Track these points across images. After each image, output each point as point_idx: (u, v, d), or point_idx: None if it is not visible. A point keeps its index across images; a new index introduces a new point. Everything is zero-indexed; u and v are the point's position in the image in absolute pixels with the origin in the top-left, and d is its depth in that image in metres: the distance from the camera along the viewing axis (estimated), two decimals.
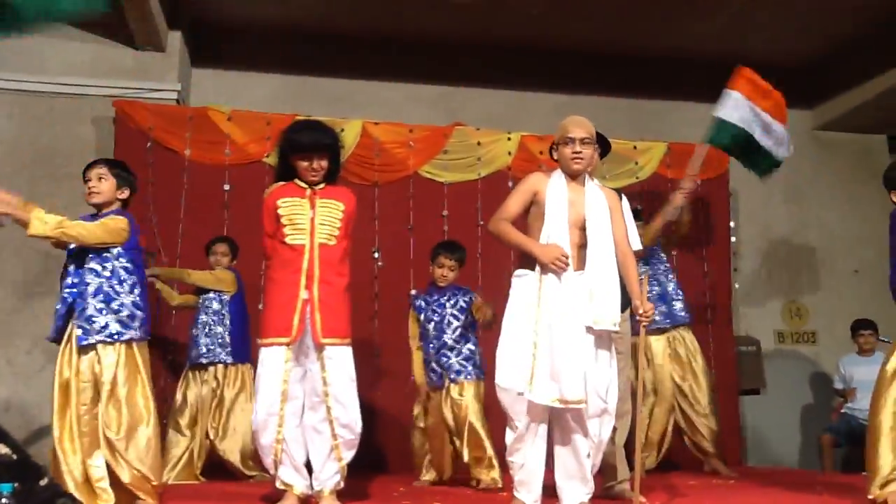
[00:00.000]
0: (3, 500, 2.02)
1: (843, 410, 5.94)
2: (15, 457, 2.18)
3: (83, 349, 3.30)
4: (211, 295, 4.94)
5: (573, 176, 3.39)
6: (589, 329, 3.18)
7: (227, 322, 4.90)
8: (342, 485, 3.45)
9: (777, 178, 7.13)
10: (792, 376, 6.81)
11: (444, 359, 4.41)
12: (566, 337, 3.14)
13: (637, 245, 4.10)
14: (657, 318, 5.04)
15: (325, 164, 3.48)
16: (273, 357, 3.36)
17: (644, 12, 6.20)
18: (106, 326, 3.30)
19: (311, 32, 6.47)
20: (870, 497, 3.33)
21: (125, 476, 3.26)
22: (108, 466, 3.28)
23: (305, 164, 3.46)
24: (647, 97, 6.92)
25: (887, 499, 3.27)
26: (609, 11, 6.20)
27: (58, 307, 3.38)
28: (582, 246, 3.29)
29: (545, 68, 6.69)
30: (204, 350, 4.83)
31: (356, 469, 3.58)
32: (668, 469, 5.16)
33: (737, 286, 6.70)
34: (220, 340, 4.85)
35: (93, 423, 3.26)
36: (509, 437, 3.27)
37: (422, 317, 4.55)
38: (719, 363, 6.04)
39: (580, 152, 3.34)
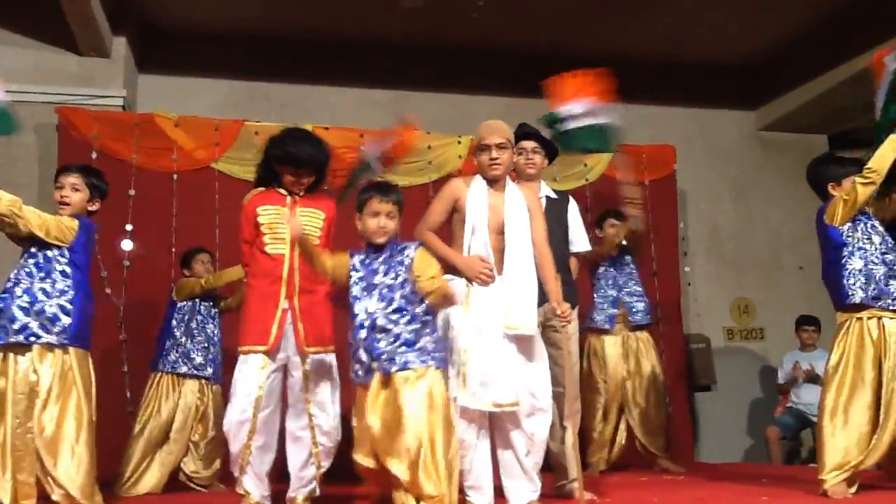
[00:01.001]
0: None
1: (787, 404, 6.08)
2: None
3: (15, 354, 3.21)
4: (208, 303, 4.83)
5: (493, 182, 3.44)
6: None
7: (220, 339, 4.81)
8: (318, 492, 3.46)
9: (724, 178, 7.32)
10: (741, 372, 6.95)
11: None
12: (493, 341, 3.20)
13: (585, 246, 4.18)
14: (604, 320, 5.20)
15: (311, 178, 3.49)
16: (250, 364, 3.34)
17: (589, 14, 6.28)
18: (25, 328, 3.21)
19: (259, 37, 6.43)
20: (820, 478, 3.43)
21: (55, 494, 3.16)
22: (38, 484, 3.18)
23: (293, 178, 3.45)
24: None
25: (827, 488, 3.39)
26: (555, 14, 6.27)
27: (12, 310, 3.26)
28: (503, 250, 3.34)
29: (493, 71, 6.74)
30: (212, 363, 4.72)
31: (331, 478, 3.57)
32: (621, 469, 5.22)
33: (688, 284, 6.82)
34: (214, 354, 4.76)
35: (26, 437, 3.15)
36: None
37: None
38: (671, 361, 6.14)
39: (497, 158, 3.40)
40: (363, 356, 3.00)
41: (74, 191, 3.42)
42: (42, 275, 3.29)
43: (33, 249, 3.32)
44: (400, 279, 3.06)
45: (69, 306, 3.29)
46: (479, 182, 3.46)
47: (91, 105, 5.69)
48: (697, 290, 6.97)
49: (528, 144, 3.98)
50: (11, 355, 3.23)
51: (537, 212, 3.53)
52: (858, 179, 3.52)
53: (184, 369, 4.67)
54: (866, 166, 3.50)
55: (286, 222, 3.17)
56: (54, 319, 3.25)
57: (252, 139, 5.61)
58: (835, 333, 3.66)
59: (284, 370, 3.43)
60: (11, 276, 3.32)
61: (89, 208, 3.47)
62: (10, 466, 3.14)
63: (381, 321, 3.00)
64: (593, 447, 5.15)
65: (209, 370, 4.71)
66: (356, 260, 3.13)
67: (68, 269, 3.33)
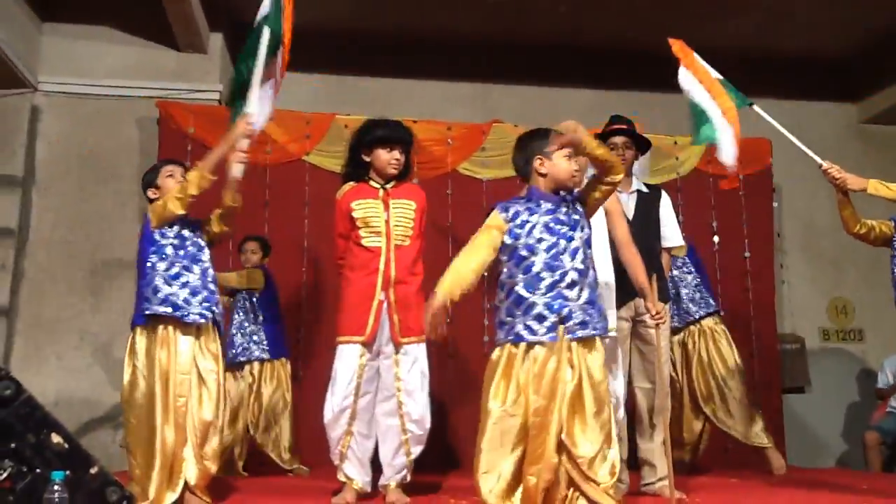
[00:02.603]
0: (56, 488, 2.09)
1: (887, 409, 5.82)
2: (66, 446, 2.25)
3: (192, 333, 3.30)
4: (243, 294, 4.99)
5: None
6: None
7: (260, 319, 4.95)
8: (409, 478, 3.52)
9: (821, 174, 7.02)
10: (837, 375, 6.68)
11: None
12: None
13: (678, 241, 4.10)
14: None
15: (403, 158, 3.58)
16: (348, 354, 3.45)
17: (680, 6, 6.13)
18: (217, 304, 3.38)
19: (348, 33, 6.52)
20: None
21: (192, 468, 3.23)
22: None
23: (387, 155, 3.54)
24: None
25: None
26: (644, 6, 6.14)
27: (173, 288, 3.27)
28: None
29: (581, 65, 6.66)
30: (239, 349, 4.89)
31: (424, 465, 3.64)
32: (721, 468, 5.09)
33: (782, 282, 6.60)
34: (254, 338, 4.91)
35: (180, 412, 3.22)
36: None
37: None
38: (762, 360, 5.96)
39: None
40: (546, 313, 2.69)
41: (184, 178, 3.53)
42: (196, 263, 3.39)
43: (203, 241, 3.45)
44: (582, 229, 2.83)
45: (213, 286, 3.41)
46: None
47: (188, 99, 5.90)
48: (792, 288, 6.73)
49: (619, 140, 3.93)
50: (185, 336, 3.30)
51: (617, 212, 3.48)
52: None
53: (236, 359, 4.87)
54: None
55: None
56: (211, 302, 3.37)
57: (342, 132, 5.70)
58: None
59: (377, 358, 3.50)
60: (185, 261, 3.36)
61: None
62: (176, 441, 3.20)
63: (571, 275, 2.73)
64: (682, 444, 5.01)
65: (244, 356, 4.86)
66: (520, 207, 2.84)
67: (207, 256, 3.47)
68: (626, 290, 3.50)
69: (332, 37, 6.53)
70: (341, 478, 3.49)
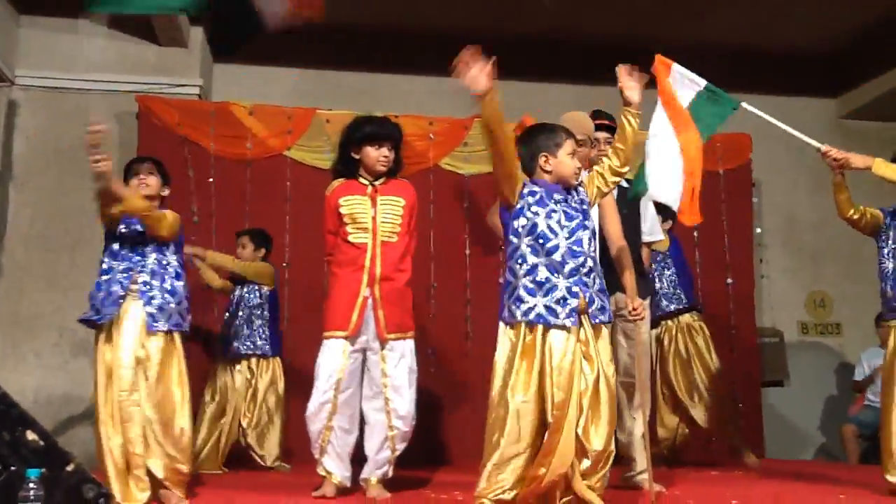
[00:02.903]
0: (31, 485, 2.08)
1: (864, 402, 5.89)
2: (42, 443, 2.24)
3: (147, 335, 3.31)
4: (253, 287, 4.97)
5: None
6: None
7: (267, 315, 4.95)
8: (390, 474, 3.53)
9: (800, 168, 7.09)
10: (815, 368, 6.75)
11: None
12: None
13: (658, 235, 4.12)
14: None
15: (392, 154, 3.58)
16: (332, 348, 3.46)
17: (664, 4, 6.16)
18: (172, 316, 3.35)
19: (330, 27, 6.44)
20: (889, 479, 3.33)
21: (157, 464, 3.25)
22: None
23: (376, 152, 3.54)
24: None
25: None
26: (627, 3, 6.17)
27: (113, 290, 3.31)
28: None
29: (565, 59, 6.67)
30: (245, 342, 4.86)
31: (405, 460, 3.64)
32: (698, 462, 5.13)
33: (762, 276, 6.65)
34: (260, 333, 4.90)
35: (132, 409, 3.25)
36: None
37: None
38: (742, 354, 6.01)
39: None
40: (568, 297, 2.71)
41: (150, 174, 3.51)
42: (166, 266, 3.39)
43: (150, 245, 3.40)
44: (592, 221, 2.93)
45: (184, 292, 3.42)
46: None
47: (169, 94, 5.85)
48: (772, 282, 6.79)
49: (601, 135, 3.95)
50: (135, 338, 3.31)
51: (610, 207, 3.51)
52: None
53: (229, 353, 4.86)
54: None
55: None
56: (189, 310, 3.44)
57: (324, 127, 5.69)
58: None
59: (364, 354, 3.51)
60: (124, 262, 3.38)
61: (162, 194, 3.55)
62: (122, 435, 3.23)
63: (589, 262, 2.82)
64: (659, 440, 5.03)
65: (244, 348, 4.85)
66: (537, 187, 2.87)
67: (178, 260, 3.47)
68: (609, 283, 3.50)
69: (313, 31, 6.48)
70: (321, 472, 3.50)
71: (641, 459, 3.71)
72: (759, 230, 6.62)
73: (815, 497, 3.55)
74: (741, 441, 5.12)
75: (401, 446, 3.50)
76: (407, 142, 5.84)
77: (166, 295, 3.35)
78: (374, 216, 3.51)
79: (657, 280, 5.07)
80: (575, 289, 2.73)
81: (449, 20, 6.40)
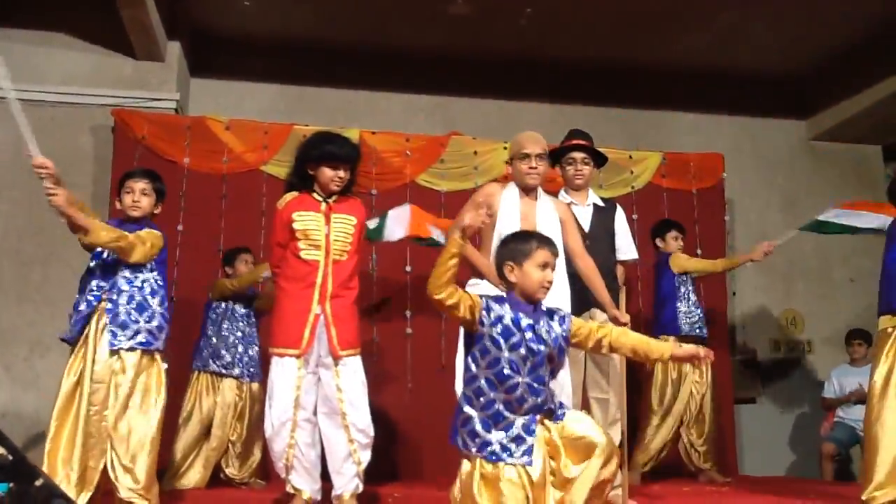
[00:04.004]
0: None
1: (835, 419, 5.95)
2: (11, 458, 2.21)
3: (110, 353, 3.30)
4: (251, 309, 4.90)
5: (527, 190, 3.49)
6: None
7: (258, 339, 4.87)
8: (361, 488, 3.52)
9: (772, 188, 7.22)
10: (787, 386, 6.83)
11: None
12: None
13: (632, 254, 4.17)
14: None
15: (347, 175, 3.57)
16: (285, 366, 3.44)
17: (635, 24, 6.24)
18: (138, 333, 3.31)
19: (308, 44, 6.52)
20: (863, 498, 3.38)
21: (123, 482, 3.22)
22: (104, 471, 3.26)
23: (332, 173, 3.52)
24: (640, 107, 6.97)
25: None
26: (600, 23, 6.24)
27: (81, 308, 3.36)
28: None
29: (540, 79, 6.74)
30: (241, 362, 4.77)
31: (376, 476, 3.69)
32: (661, 476, 5.16)
33: (733, 294, 6.72)
34: (252, 356, 4.82)
35: (99, 425, 3.25)
36: None
37: None
38: (715, 371, 6.04)
39: (536, 167, 3.48)
40: (524, 435, 2.57)
41: (143, 195, 3.50)
42: (140, 284, 3.37)
43: (122, 264, 3.39)
44: (556, 345, 2.68)
45: (166, 314, 3.42)
46: (512, 189, 3.52)
47: (145, 108, 5.83)
48: (744, 300, 6.87)
49: (578, 156, 4.01)
50: (108, 355, 3.31)
51: (570, 223, 3.58)
52: None
53: (214, 367, 4.75)
54: None
55: None
56: (161, 328, 3.38)
57: (300, 142, 5.68)
58: (878, 342, 3.59)
59: (316, 371, 3.50)
60: (96, 280, 3.39)
61: (155, 211, 3.55)
62: (81, 450, 3.22)
63: (546, 394, 2.63)
64: (639, 450, 5.06)
65: (237, 369, 4.76)
66: (503, 310, 2.65)
67: (160, 279, 3.45)
68: (581, 299, 3.55)
69: (292, 47, 6.52)
70: (289, 489, 3.49)
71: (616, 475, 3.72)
72: (731, 248, 6.69)
73: None
74: (712, 463, 5.17)
75: (365, 457, 3.49)
76: (384, 158, 5.91)
77: (133, 312, 3.32)
78: (327, 234, 3.50)
79: (690, 303, 5.16)
80: (532, 426, 2.58)
81: (426, 40, 6.47)
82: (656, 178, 6.27)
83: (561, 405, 2.70)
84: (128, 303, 3.33)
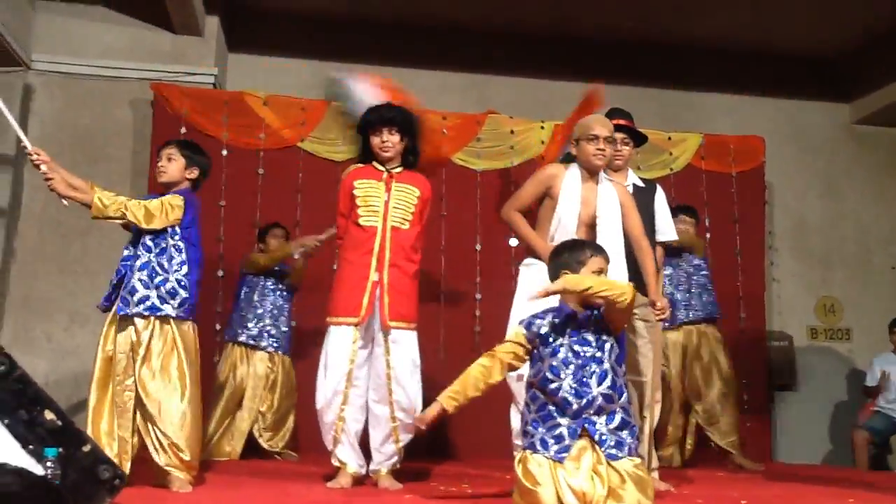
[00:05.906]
0: (49, 464, 2.08)
1: (874, 408, 5.87)
2: (59, 423, 2.24)
3: (122, 320, 3.32)
4: (287, 284, 5.02)
5: (591, 173, 3.47)
6: None
7: (291, 314, 5.03)
8: (399, 465, 3.53)
9: (813, 172, 7.08)
10: (824, 373, 6.73)
11: None
12: None
13: (672, 235, 4.12)
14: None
15: (395, 139, 3.55)
16: (341, 336, 3.43)
17: (675, 1, 6.13)
18: (145, 299, 3.30)
19: (345, 20, 6.50)
20: None
21: (158, 449, 3.23)
22: (141, 441, 3.28)
23: (377, 139, 3.55)
24: (678, 87, 6.85)
25: None
26: (640, 0, 6.14)
27: (112, 279, 3.41)
28: None
29: (577, 57, 6.64)
30: (273, 334, 4.90)
31: (413, 452, 3.64)
32: (698, 464, 5.14)
33: (772, 280, 6.63)
34: (283, 330, 4.95)
35: (125, 395, 3.26)
36: (515, 420, 3.33)
37: None
38: (751, 358, 6.00)
39: (603, 149, 3.46)
40: (566, 436, 2.65)
41: (169, 160, 3.50)
42: (158, 250, 3.37)
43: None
44: (611, 350, 2.77)
45: (185, 280, 3.37)
46: (574, 171, 3.49)
47: (183, 82, 5.86)
48: (782, 286, 6.76)
49: (618, 135, 3.95)
50: (126, 324, 3.32)
51: (631, 206, 3.55)
52: None
53: (242, 338, 4.87)
54: None
55: None
56: (173, 293, 3.33)
57: (337, 119, 5.66)
58: None
59: (371, 344, 3.49)
60: (127, 250, 3.43)
61: (188, 176, 3.53)
62: (114, 422, 3.26)
63: (598, 402, 2.68)
64: (667, 441, 5.06)
65: (264, 342, 4.86)
66: (545, 324, 2.80)
67: (181, 244, 3.41)
68: (637, 287, 3.50)
69: (328, 24, 6.50)
70: (335, 462, 3.48)
71: (654, 457, 3.71)
72: (769, 233, 6.59)
73: (824, 499, 3.53)
74: (739, 451, 5.16)
75: (405, 437, 3.47)
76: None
77: (144, 278, 3.31)
78: (386, 200, 3.50)
79: (694, 284, 5.16)
80: (578, 429, 2.64)
81: (463, 16, 6.41)
82: (695, 160, 6.19)
83: (621, 444, 2.65)
84: (140, 269, 3.33)
